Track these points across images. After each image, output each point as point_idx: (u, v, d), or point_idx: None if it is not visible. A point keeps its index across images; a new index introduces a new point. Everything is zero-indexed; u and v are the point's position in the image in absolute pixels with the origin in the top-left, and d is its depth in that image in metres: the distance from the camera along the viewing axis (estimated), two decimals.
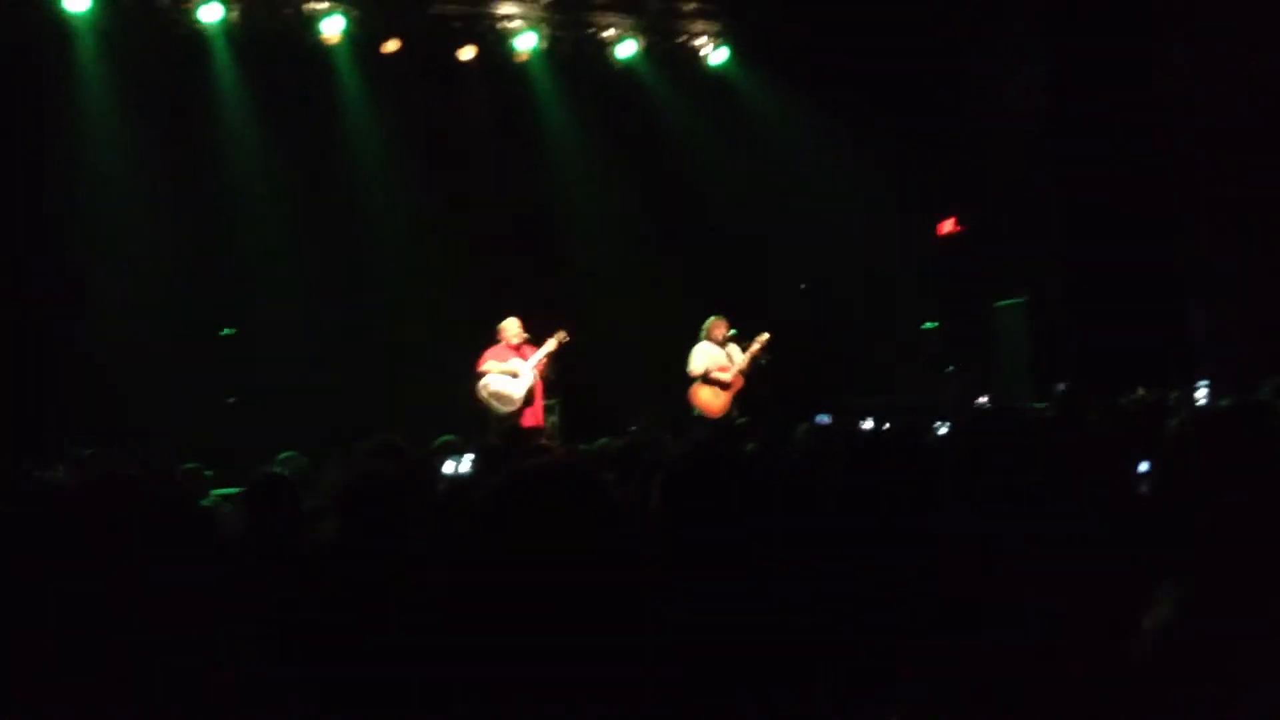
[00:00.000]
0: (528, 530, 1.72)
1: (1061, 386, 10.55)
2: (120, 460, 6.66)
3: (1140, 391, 7.33)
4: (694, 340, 9.88)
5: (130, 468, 6.07)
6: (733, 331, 9.89)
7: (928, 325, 11.77)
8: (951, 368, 11.45)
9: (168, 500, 2.00)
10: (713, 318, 9.88)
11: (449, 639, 2.06)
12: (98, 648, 1.88)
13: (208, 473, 6.08)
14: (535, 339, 9.48)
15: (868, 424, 8.73)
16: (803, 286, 10.18)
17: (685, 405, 9.74)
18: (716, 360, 9.78)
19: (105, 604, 1.88)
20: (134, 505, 1.93)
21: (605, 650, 1.68)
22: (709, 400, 9.70)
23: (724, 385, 9.73)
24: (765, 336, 9.78)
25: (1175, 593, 1.90)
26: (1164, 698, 1.83)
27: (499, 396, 9.36)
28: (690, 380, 9.74)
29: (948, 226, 12.56)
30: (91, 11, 9.65)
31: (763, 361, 9.78)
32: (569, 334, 9.45)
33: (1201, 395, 7.77)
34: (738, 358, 9.79)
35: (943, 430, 4.92)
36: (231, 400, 9.34)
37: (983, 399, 10.48)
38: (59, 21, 9.59)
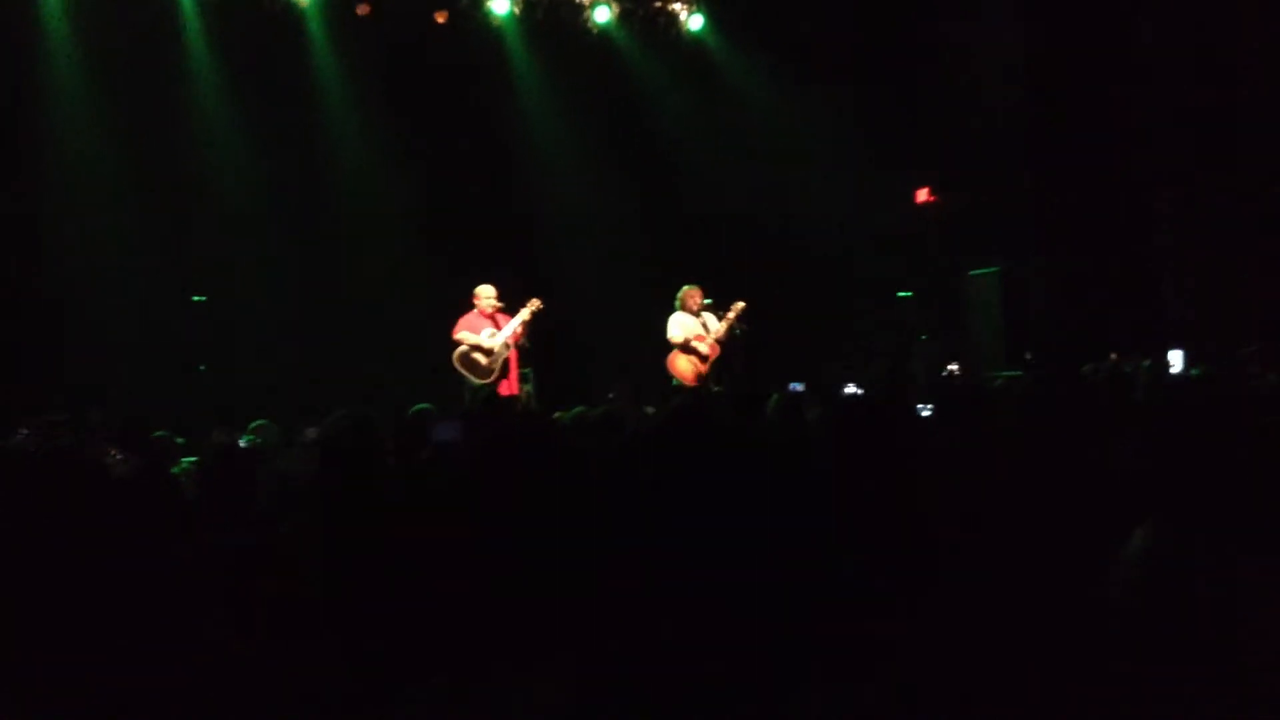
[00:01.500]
0: (508, 487, 1.72)
1: (1029, 355, 10.68)
2: (87, 427, 6.60)
3: (1113, 358, 7.38)
4: (668, 309, 9.87)
5: (98, 434, 6.02)
6: (707, 300, 9.90)
7: (902, 294, 11.81)
8: (924, 336, 11.51)
9: (132, 467, 1.98)
10: (686, 286, 9.87)
11: (427, 597, 2.06)
12: (65, 610, 1.86)
13: (179, 440, 6.03)
14: (509, 307, 9.45)
15: (849, 389, 8.78)
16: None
17: (663, 374, 9.75)
18: (693, 329, 9.79)
19: (67, 567, 1.86)
20: (84, 474, 1.91)
21: (581, 607, 1.68)
22: (687, 369, 9.72)
23: (701, 354, 9.74)
24: (740, 305, 9.78)
25: (1147, 528, 1.99)
26: (1139, 620, 1.90)
27: (474, 366, 9.33)
28: (669, 349, 9.75)
29: (923, 195, 12.59)
30: None
31: (738, 330, 9.78)
32: (542, 303, 9.42)
33: (1176, 363, 7.84)
34: (713, 326, 9.79)
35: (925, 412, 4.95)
36: (203, 368, 9.27)
37: (953, 366, 10.55)
38: None
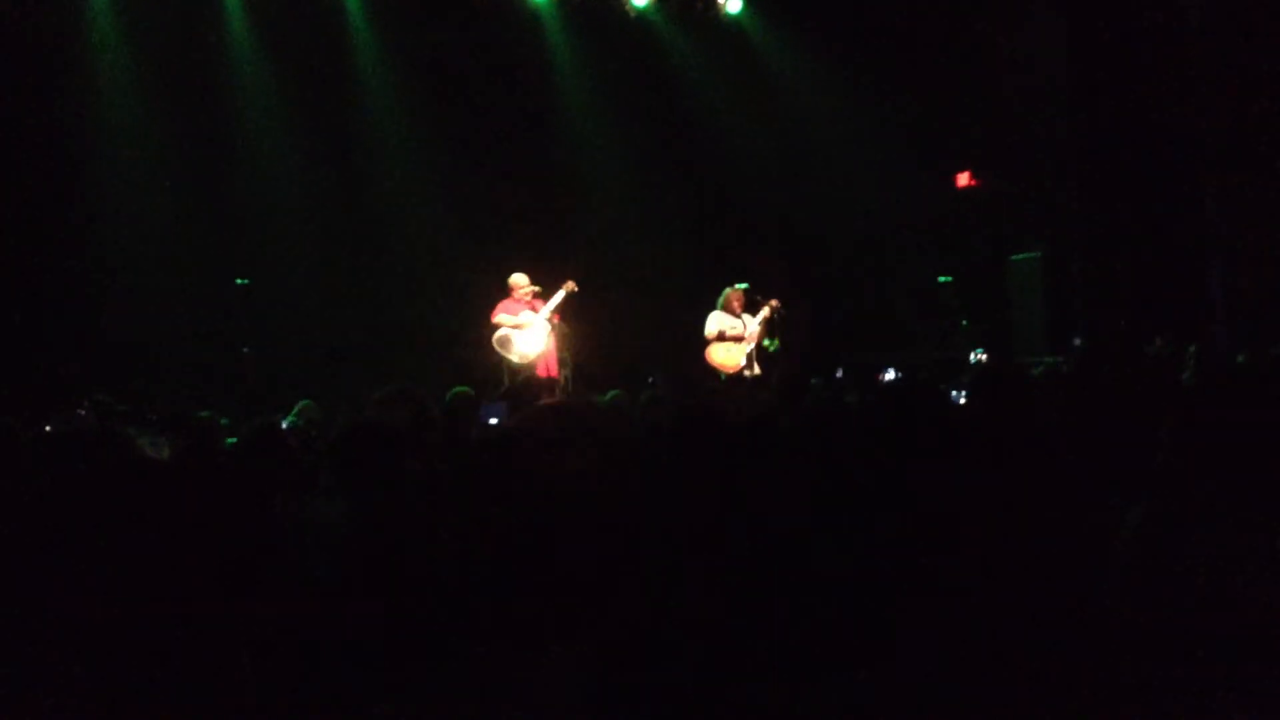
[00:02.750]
0: (547, 469, 1.73)
1: (1078, 341, 10.57)
2: (137, 409, 6.70)
3: (1158, 342, 7.28)
4: (706, 296, 9.98)
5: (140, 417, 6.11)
6: (745, 287, 9.95)
7: (943, 279, 11.71)
8: (965, 322, 11.41)
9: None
10: (729, 289, 9.93)
11: (460, 576, 2.07)
12: (105, 584, 1.90)
13: (223, 421, 6.11)
14: (546, 293, 9.50)
15: (889, 375, 8.74)
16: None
17: (702, 366, 9.80)
18: (729, 324, 9.89)
19: (101, 545, 1.90)
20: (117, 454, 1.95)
21: (606, 593, 1.69)
22: (725, 359, 9.81)
23: (738, 343, 9.81)
24: (775, 303, 9.85)
25: (1144, 504, 2.00)
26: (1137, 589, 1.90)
27: (513, 349, 9.39)
28: (706, 343, 9.83)
29: (964, 180, 12.45)
30: None
31: (777, 317, 9.84)
32: (576, 285, 9.48)
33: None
34: (751, 325, 9.88)
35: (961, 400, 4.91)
36: (247, 350, 9.37)
37: (982, 355, 10.45)
38: None
